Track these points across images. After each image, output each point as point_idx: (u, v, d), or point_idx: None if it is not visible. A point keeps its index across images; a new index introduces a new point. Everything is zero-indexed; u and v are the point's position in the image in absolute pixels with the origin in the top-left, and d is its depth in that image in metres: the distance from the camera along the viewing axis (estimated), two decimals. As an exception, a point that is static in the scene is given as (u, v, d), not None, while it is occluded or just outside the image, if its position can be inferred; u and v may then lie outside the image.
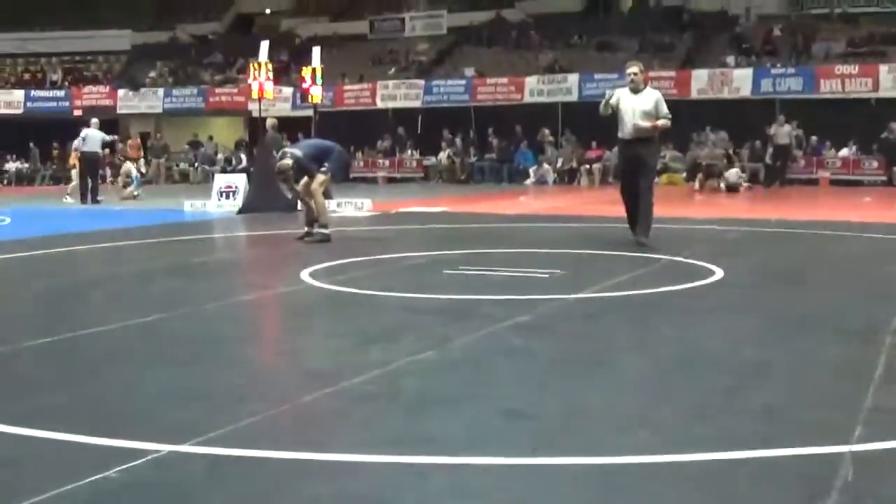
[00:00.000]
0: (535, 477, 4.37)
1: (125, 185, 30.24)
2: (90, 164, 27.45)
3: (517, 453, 4.60)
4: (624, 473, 4.37)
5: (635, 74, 13.44)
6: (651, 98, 13.32)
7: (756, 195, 28.25)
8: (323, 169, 14.52)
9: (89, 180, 27.20)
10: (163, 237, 16.00)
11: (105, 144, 28.76)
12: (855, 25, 38.75)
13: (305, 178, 14.69)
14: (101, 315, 8.44)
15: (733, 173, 30.28)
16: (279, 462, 4.54)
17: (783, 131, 31.74)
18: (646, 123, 13.10)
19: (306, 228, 14.63)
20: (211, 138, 42.60)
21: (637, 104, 13.21)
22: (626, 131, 13.31)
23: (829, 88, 33.83)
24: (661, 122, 13.22)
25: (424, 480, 4.34)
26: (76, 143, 28.26)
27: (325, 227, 14.46)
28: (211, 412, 5.30)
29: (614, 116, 13.24)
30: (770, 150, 31.99)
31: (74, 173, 28.82)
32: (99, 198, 26.94)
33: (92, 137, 27.32)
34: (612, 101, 13.39)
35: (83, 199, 26.69)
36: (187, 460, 4.56)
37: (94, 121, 28.55)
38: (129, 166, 31.77)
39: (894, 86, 32.87)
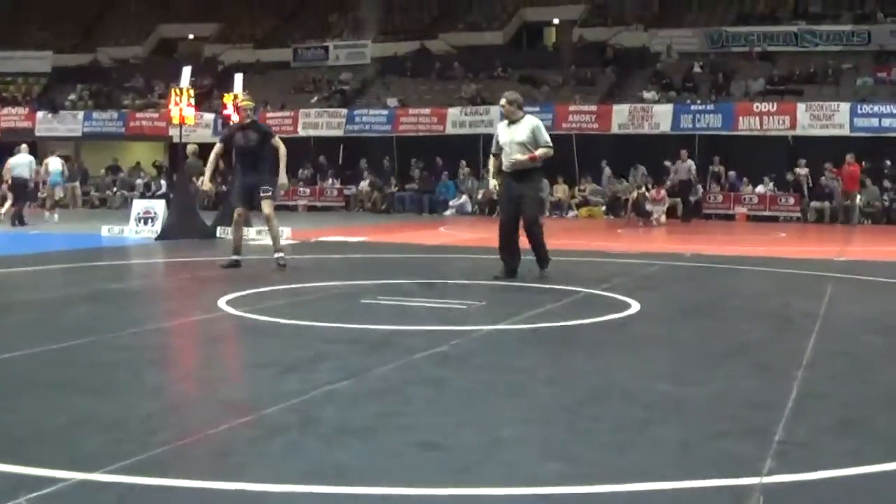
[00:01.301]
0: (449, 508, 4.38)
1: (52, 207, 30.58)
2: (18, 189, 27.85)
3: (432, 484, 4.60)
4: (537, 505, 4.39)
5: (503, 106, 13.40)
6: (527, 128, 13.09)
7: (674, 230, 28.52)
8: (265, 190, 14.23)
9: (20, 202, 27.73)
10: (79, 262, 15.83)
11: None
12: (773, 64, 39.33)
13: (241, 210, 14.56)
14: (14, 341, 8.31)
15: (658, 209, 30.63)
16: (190, 491, 4.51)
17: (684, 167, 32.11)
18: (521, 156, 12.93)
19: (234, 257, 14.29)
20: (138, 164, 42.31)
21: (514, 136, 13.05)
22: (505, 164, 13.16)
23: (747, 125, 34.32)
24: (540, 152, 12.99)
25: (338, 511, 4.33)
26: (4, 169, 28.93)
27: (280, 251, 14.35)
28: (123, 440, 5.25)
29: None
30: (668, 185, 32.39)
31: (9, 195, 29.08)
32: (25, 221, 27.03)
33: (18, 163, 27.97)
34: (496, 135, 13.38)
35: (13, 222, 26.83)
36: (98, 489, 4.51)
37: (24, 146, 29.33)
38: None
39: (811, 123, 33.40)
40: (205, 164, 28.55)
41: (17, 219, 27.04)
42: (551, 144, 13.17)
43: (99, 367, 7.41)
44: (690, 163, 32.11)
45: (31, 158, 29.11)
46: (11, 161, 28.59)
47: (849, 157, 31.55)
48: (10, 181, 28.35)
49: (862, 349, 8.61)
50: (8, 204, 28.54)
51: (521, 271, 13.13)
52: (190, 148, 27.01)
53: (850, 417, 6.02)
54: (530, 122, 13.21)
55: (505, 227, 13.22)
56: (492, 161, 13.55)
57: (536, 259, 13.19)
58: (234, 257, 14.25)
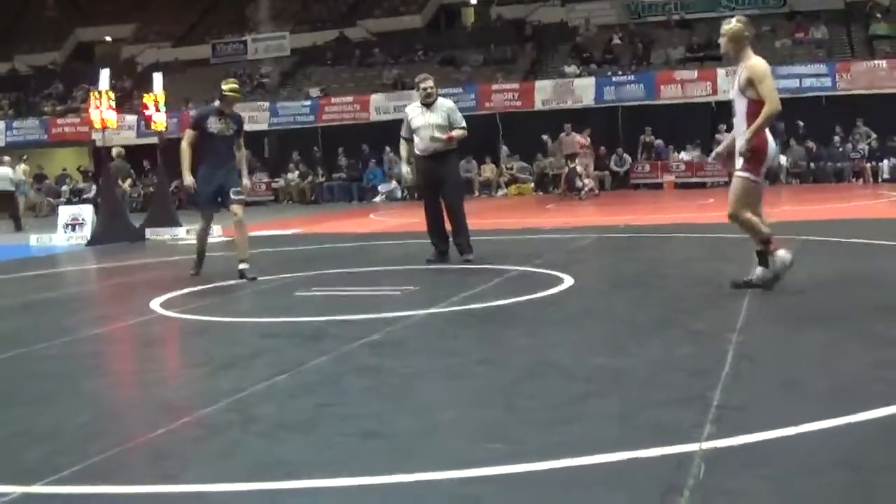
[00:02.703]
0: (393, 495, 4.38)
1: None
2: (4, 200, 29.39)
3: (374, 472, 4.60)
4: (479, 485, 4.40)
5: (427, 88, 13.18)
6: (442, 110, 13.15)
7: (604, 202, 28.65)
8: (236, 192, 12.68)
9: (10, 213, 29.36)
10: (8, 274, 15.65)
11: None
12: (692, 31, 39.58)
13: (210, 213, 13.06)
14: (-55, 357, 8.23)
15: (587, 182, 30.75)
16: (133, 497, 4.48)
17: (569, 140, 31.46)
18: (441, 136, 12.99)
19: (195, 272, 13.02)
20: (64, 170, 41.94)
21: (430, 118, 13.05)
22: (421, 147, 13.16)
23: (669, 94, 34.60)
24: (456, 133, 13.03)
25: (281, 506, 4.32)
26: None
27: (246, 261, 12.60)
28: (62, 450, 5.20)
29: None
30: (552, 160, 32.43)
31: None
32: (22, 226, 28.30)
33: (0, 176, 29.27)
34: (407, 119, 13.31)
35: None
36: (39, 501, 4.47)
37: (6, 158, 30.74)
38: None
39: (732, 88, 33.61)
40: (132, 167, 28.46)
41: (17, 226, 28.47)
42: (465, 125, 13.19)
43: (32, 379, 7.33)
44: (576, 135, 31.58)
45: (10, 170, 30.06)
46: None
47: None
48: None
49: (793, 310, 8.69)
50: None
51: (452, 254, 13.15)
52: (115, 150, 26.79)
53: (788, 380, 6.07)
54: (445, 104, 13.26)
55: (429, 210, 13.24)
56: (403, 147, 13.50)
57: (457, 244, 13.16)
58: (198, 269, 13.07)
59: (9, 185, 29.42)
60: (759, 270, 9.70)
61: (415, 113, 13.26)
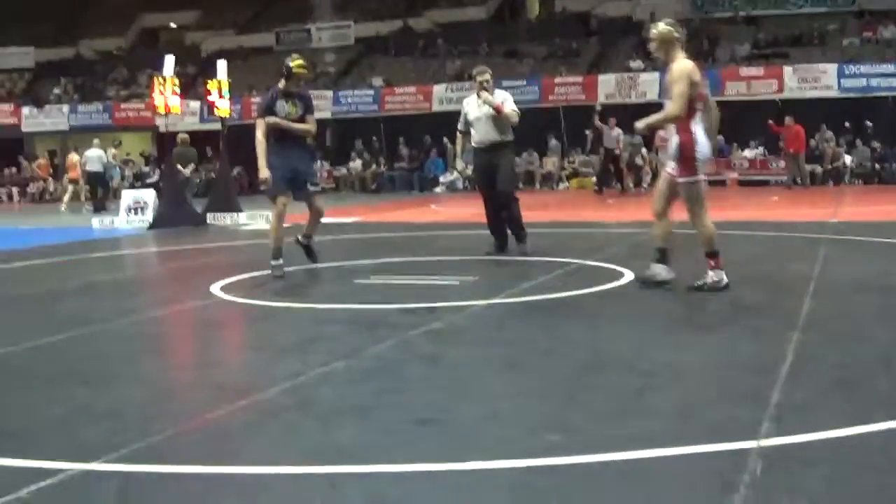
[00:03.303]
0: (448, 482, 4.39)
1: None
2: (93, 181, 31.19)
3: (430, 459, 4.62)
4: (536, 475, 4.41)
5: (487, 81, 13.11)
6: (499, 99, 13.05)
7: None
8: (314, 185, 12.34)
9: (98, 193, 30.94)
10: (71, 255, 15.81)
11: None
12: (759, 28, 39.29)
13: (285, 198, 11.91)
14: (8, 335, 8.31)
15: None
16: (190, 477, 4.52)
17: (612, 135, 30.60)
18: (496, 130, 13.00)
19: (280, 261, 11.72)
20: (128, 154, 42.28)
21: (486, 110, 13.00)
22: (477, 139, 13.14)
23: (734, 90, 34.30)
24: (506, 108, 12.88)
25: (338, 490, 4.34)
26: (69, 163, 33.18)
27: (311, 237, 12.23)
28: (121, 429, 5.25)
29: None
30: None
31: (70, 186, 32.63)
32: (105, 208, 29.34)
33: (91, 157, 30.99)
34: (464, 112, 13.30)
35: (96, 210, 29.22)
36: (99, 479, 4.52)
37: (96, 141, 32.24)
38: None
39: (800, 86, 33.39)
40: (197, 153, 28.68)
41: (98, 206, 29.69)
42: (517, 110, 13.13)
43: (94, 358, 7.42)
44: (618, 131, 30.56)
45: (102, 152, 31.56)
46: (87, 154, 31.44)
47: (788, 119, 31.20)
48: (79, 174, 31.98)
49: (857, 310, 8.63)
50: (67, 196, 32.03)
51: (512, 246, 13.13)
52: (180, 137, 27.00)
53: (846, 378, 6.04)
54: (500, 95, 13.20)
55: (487, 203, 13.26)
56: (459, 139, 13.59)
57: (514, 235, 13.13)
58: (280, 261, 11.72)
59: (99, 166, 30.58)
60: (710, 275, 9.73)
61: (471, 105, 13.25)
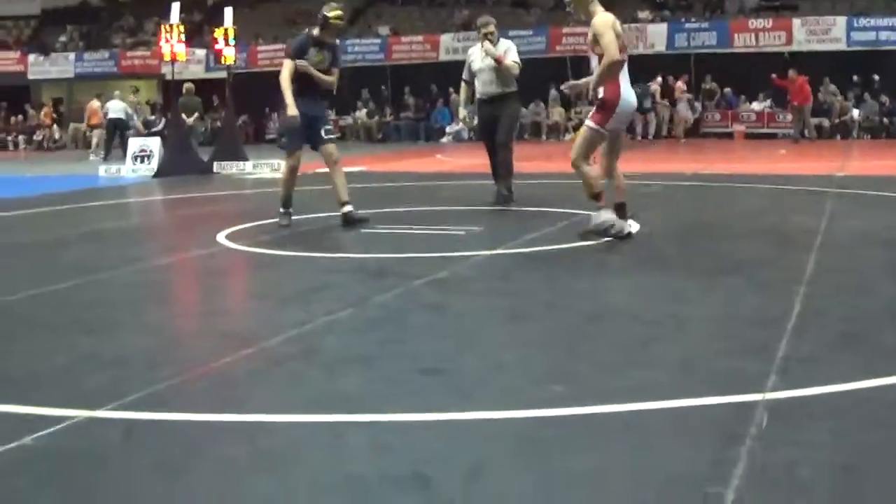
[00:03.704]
0: (452, 431, 4.39)
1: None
2: (115, 129, 30.63)
3: (435, 409, 4.62)
4: (539, 426, 4.40)
5: (491, 33, 13.15)
6: (502, 51, 13.08)
7: (673, 149, 28.43)
8: (328, 132, 11.81)
9: (116, 141, 30.43)
10: (76, 203, 15.79)
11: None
12: (768, -21, 39.09)
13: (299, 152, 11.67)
14: (12, 283, 8.32)
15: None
16: (196, 424, 4.53)
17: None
18: (498, 81, 13.08)
19: (288, 209, 11.72)
20: (147, 102, 42.15)
21: (490, 61, 13.06)
22: (480, 90, 13.25)
23: (742, 42, 34.15)
24: (507, 60, 12.90)
25: (342, 438, 4.33)
26: (90, 110, 33.87)
27: (349, 203, 11.61)
28: (126, 377, 5.26)
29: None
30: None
31: (96, 133, 32.87)
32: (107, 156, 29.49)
33: (114, 107, 30.91)
34: (469, 62, 13.41)
35: (106, 157, 29.09)
36: (104, 425, 4.53)
37: (117, 93, 32.17)
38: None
39: (808, 39, 33.22)
40: (202, 101, 28.62)
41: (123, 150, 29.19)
42: (518, 61, 13.11)
43: (98, 306, 7.42)
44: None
45: (124, 104, 31.46)
46: (109, 104, 31.34)
47: (792, 72, 31.00)
48: (100, 120, 32.15)
49: (864, 263, 8.62)
50: (95, 141, 32.58)
51: (518, 195, 13.11)
52: (186, 86, 26.96)
53: (853, 331, 6.03)
54: (503, 45, 13.22)
55: (490, 153, 13.40)
56: (463, 88, 13.72)
57: (500, 180, 13.18)
58: (288, 209, 11.70)
59: (122, 114, 30.50)
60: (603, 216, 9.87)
61: (475, 56, 13.31)
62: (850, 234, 10.38)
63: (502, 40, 13.35)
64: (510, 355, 5.63)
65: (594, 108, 9.68)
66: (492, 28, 13.19)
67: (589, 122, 9.64)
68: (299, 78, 11.43)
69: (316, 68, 11.53)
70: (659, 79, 33.71)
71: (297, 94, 11.37)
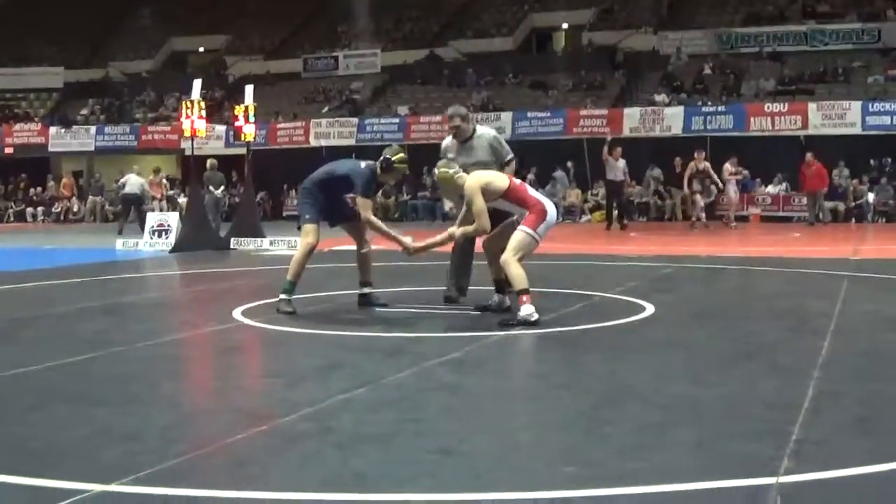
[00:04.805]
0: (466, 513, 4.38)
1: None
2: (129, 204, 30.47)
3: (450, 489, 4.61)
4: (554, 508, 4.40)
5: (455, 126, 11.22)
6: (484, 144, 11.12)
7: (687, 231, 28.44)
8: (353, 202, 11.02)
9: (129, 216, 30.42)
10: (94, 276, 15.86)
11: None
12: (784, 64, 39.31)
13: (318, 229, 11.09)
14: (30, 355, 8.34)
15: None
16: (209, 501, 4.51)
17: (618, 166, 29.09)
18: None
19: (290, 295, 10.93)
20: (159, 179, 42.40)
21: (470, 156, 11.00)
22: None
23: (759, 126, 34.28)
24: (509, 171, 10.83)
25: (355, 518, 4.34)
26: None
27: (369, 284, 11.47)
28: (140, 451, 5.26)
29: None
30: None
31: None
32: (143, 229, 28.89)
33: (130, 181, 30.26)
34: (448, 157, 10.95)
35: (120, 232, 28.14)
36: (118, 499, 4.52)
37: (136, 167, 32.22)
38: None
39: (824, 123, 33.36)
40: (225, 176, 28.78)
41: (141, 226, 28.46)
42: (512, 155, 11.30)
43: (115, 380, 7.43)
44: (624, 162, 29.40)
45: (142, 179, 30.96)
46: (125, 179, 31.03)
47: (809, 157, 31.18)
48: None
49: (878, 348, 8.59)
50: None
51: (534, 276, 13.10)
52: (210, 161, 27.21)
53: (867, 416, 6.02)
54: (485, 137, 11.27)
55: (462, 247, 11.55)
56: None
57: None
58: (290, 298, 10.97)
59: (137, 189, 30.12)
60: (496, 297, 10.66)
61: (452, 150, 11.24)
62: (864, 318, 10.38)
63: (480, 131, 11.38)
64: (525, 436, 5.63)
65: (527, 213, 9.82)
66: (457, 121, 11.23)
67: (526, 227, 9.77)
68: (330, 188, 11.06)
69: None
70: (664, 165, 33.73)
71: (323, 196, 11.05)
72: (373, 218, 10.89)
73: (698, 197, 28.81)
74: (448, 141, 11.42)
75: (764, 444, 5.30)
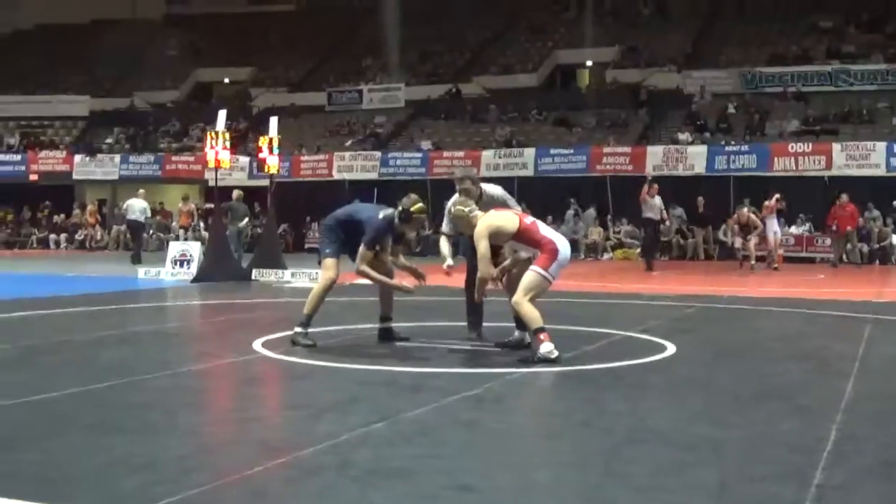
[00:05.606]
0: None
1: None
2: (133, 231, 30.64)
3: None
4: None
5: (467, 190, 11.02)
6: (494, 202, 11.02)
7: (709, 271, 28.35)
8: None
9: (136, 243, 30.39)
10: (115, 304, 15.89)
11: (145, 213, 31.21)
12: (808, 104, 39.28)
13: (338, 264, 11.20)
14: (50, 382, 8.36)
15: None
16: (226, 533, 4.51)
17: (655, 203, 28.20)
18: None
19: (307, 329, 11.06)
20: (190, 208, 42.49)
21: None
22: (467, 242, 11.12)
23: (782, 166, 34.20)
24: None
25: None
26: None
27: (390, 319, 11.55)
28: (158, 481, 5.25)
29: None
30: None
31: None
32: (141, 260, 28.47)
33: (133, 206, 30.07)
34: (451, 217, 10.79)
35: (132, 261, 28.33)
36: (133, 530, 4.52)
37: (141, 191, 31.49)
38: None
39: (847, 164, 33.27)
40: (250, 208, 28.88)
41: (135, 258, 28.76)
42: (520, 209, 11.28)
43: (134, 409, 7.43)
44: (659, 199, 28.56)
45: (146, 204, 30.81)
46: (129, 203, 30.74)
47: (844, 197, 30.82)
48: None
49: (901, 391, 8.55)
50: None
51: (554, 314, 13.08)
52: (235, 193, 27.26)
53: (891, 460, 5.97)
54: (495, 194, 11.26)
55: (470, 299, 11.53)
56: (443, 241, 11.59)
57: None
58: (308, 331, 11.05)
59: (140, 216, 30.07)
60: (516, 334, 10.83)
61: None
62: (887, 360, 10.34)
63: (487, 191, 11.28)
64: (544, 475, 5.60)
65: (539, 253, 9.87)
66: (467, 185, 11.10)
67: (538, 268, 9.83)
68: (352, 230, 10.99)
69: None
70: (686, 205, 33.64)
71: (344, 237, 11.07)
72: (364, 268, 10.83)
73: (750, 243, 28.19)
74: (456, 199, 10.90)
75: (786, 487, 5.26)
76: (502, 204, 11.05)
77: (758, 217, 28.45)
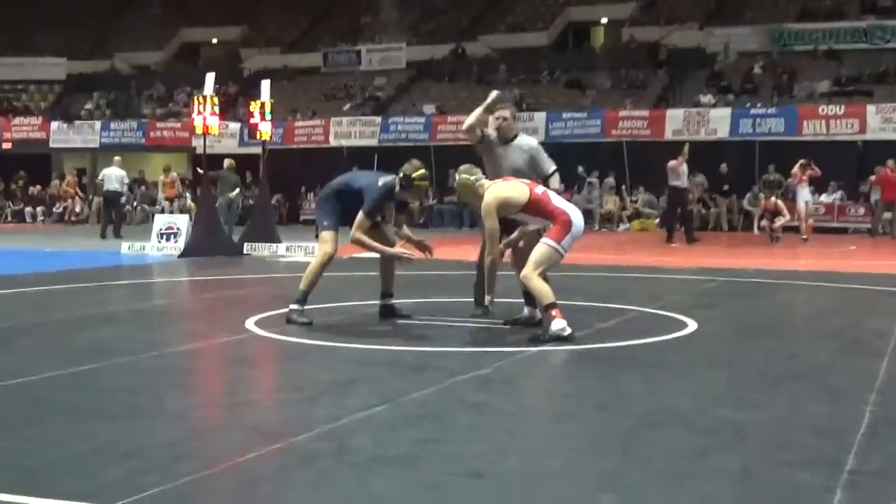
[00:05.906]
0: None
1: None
2: (110, 203, 30.03)
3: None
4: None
5: (504, 120, 11.18)
6: (523, 151, 11.05)
7: (732, 243, 28.32)
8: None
9: (112, 216, 29.75)
10: (98, 282, 15.90)
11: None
12: (841, 63, 39.04)
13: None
14: (29, 364, 8.37)
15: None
16: (218, 524, 4.53)
17: (683, 171, 28.03)
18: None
19: (303, 305, 11.00)
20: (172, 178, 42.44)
21: (510, 160, 10.96)
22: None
23: (812, 130, 33.95)
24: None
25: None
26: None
27: (391, 295, 11.61)
28: (146, 469, 5.27)
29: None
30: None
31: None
32: (121, 233, 28.31)
33: (110, 175, 29.55)
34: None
35: (102, 235, 28.64)
36: (120, 521, 4.54)
37: (117, 159, 30.84)
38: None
39: (883, 127, 33.04)
40: (241, 178, 28.82)
41: (115, 231, 28.71)
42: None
43: (119, 392, 7.44)
44: (686, 167, 28.25)
45: (123, 172, 30.40)
46: (105, 172, 30.20)
47: (891, 163, 30.51)
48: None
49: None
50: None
51: (568, 288, 13.08)
52: (227, 162, 27.18)
53: (927, 444, 5.98)
54: (527, 144, 11.22)
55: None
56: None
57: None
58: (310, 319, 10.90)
59: (117, 185, 29.75)
60: (526, 310, 10.79)
61: (492, 143, 11.26)
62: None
63: (522, 136, 11.37)
64: (556, 460, 5.61)
65: (551, 225, 9.80)
66: (507, 113, 11.35)
67: (548, 241, 9.78)
68: (349, 200, 10.92)
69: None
70: (709, 172, 33.52)
71: (342, 208, 11.02)
72: (359, 235, 10.76)
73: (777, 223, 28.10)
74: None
75: (815, 473, 5.28)
76: (530, 163, 10.97)
77: (788, 191, 28.35)
